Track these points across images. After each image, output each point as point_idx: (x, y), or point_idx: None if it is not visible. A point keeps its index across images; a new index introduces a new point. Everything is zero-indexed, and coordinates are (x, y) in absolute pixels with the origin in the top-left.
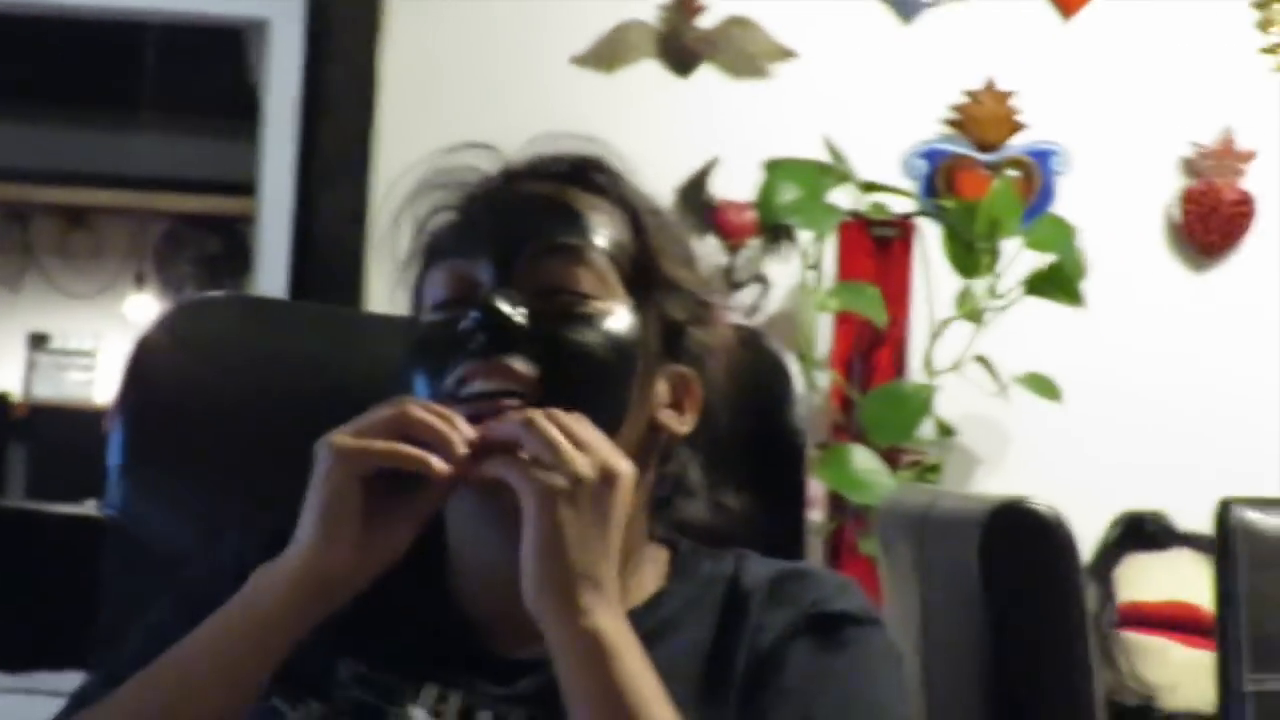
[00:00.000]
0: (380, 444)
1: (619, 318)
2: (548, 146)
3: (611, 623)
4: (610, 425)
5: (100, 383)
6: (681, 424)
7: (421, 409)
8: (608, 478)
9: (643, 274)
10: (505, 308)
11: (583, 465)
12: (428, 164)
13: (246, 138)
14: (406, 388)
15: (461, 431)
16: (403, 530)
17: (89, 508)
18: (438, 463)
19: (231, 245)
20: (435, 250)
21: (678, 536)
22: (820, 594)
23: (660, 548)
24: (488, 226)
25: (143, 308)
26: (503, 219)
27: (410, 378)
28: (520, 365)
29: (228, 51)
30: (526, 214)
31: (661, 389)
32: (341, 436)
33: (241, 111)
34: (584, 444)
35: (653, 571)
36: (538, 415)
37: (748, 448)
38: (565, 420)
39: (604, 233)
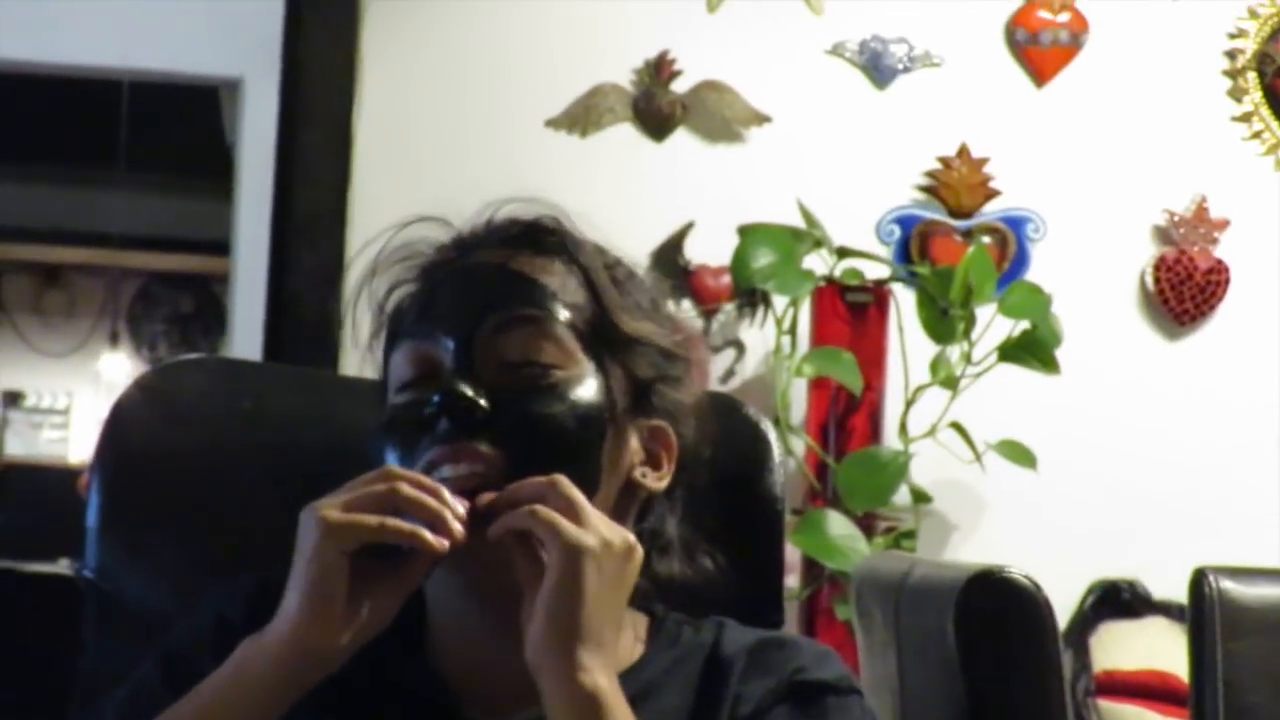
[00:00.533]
0: (371, 520)
1: (583, 385)
2: (500, 212)
3: (608, 683)
4: (586, 491)
5: (74, 441)
6: (658, 480)
7: (410, 484)
8: (632, 549)
9: (603, 334)
10: (467, 391)
11: (609, 531)
12: (383, 239)
13: (221, 196)
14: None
15: (452, 507)
16: (389, 601)
17: (63, 566)
18: (432, 537)
19: (205, 303)
20: (397, 329)
21: (656, 604)
22: (800, 663)
23: (638, 614)
24: (445, 303)
25: (117, 366)
26: (459, 294)
27: (382, 458)
28: (486, 448)
29: (203, 110)
30: (481, 287)
31: (634, 446)
32: (330, 510)
33: (216, 170)
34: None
35: (631, 637)
36: (562, 479)
37: (727, 514)
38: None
39: (560, 298)
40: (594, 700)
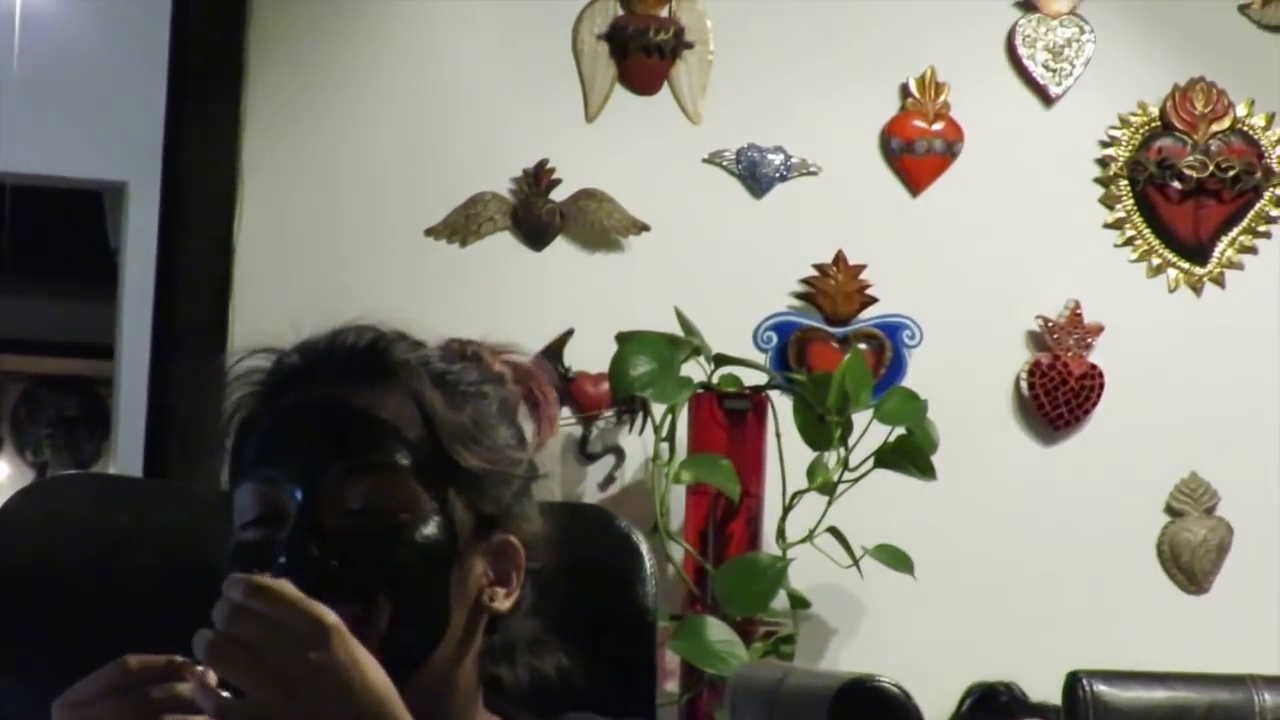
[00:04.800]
0: None
1: (427, 525)
2: (336, 335)
3: None
4: (437, 627)
5: None
6: (507, 598)
7: (154, 685)
8: (315, 655)
9: (441, 468)
10: (314, 552)
11: (275, 669)
12: (222, 367)
13: (106, 300)
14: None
15: (202, 686)
16: None
17: None
18: None
19: (90, 406)
20: (240, 461)
21: (513, 708)
22: None
23: (493, 717)
24: (287, 445)
25: (0, 470)
26: (300, 436)
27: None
28: (333, 601)
29: (87, 214)
30: (322, 430)
31: (480, 570)
32: None
33: (101, 273)
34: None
35: None
36: (215, 643)
37: (599, 624)
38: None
39: (398, 435)
40: None
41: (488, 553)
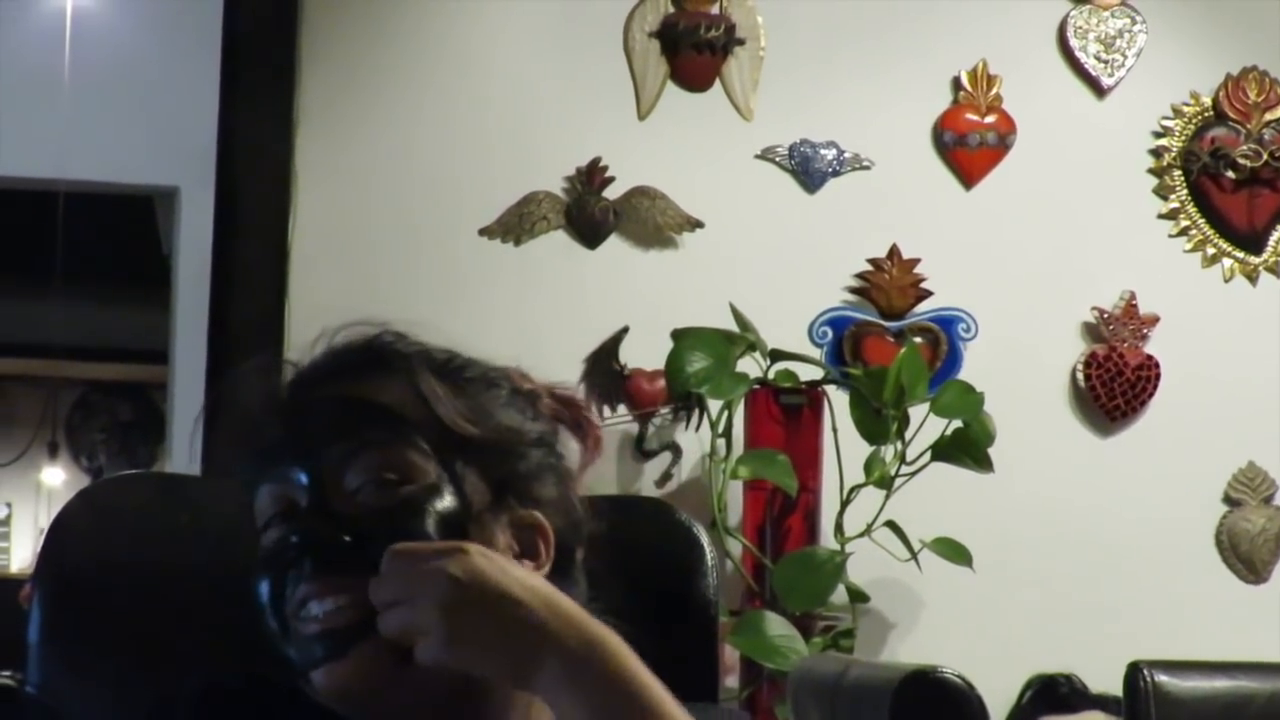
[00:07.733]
0: None
1: (435, 494)
2: (335, 338)
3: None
4: None
5: (15, 551)
6: (537, 569)
7: None
8: (463, 574)
9: (445, 441)
10: (323, 527)
11: (433, 588)
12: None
13: (159, 305)
14: (257, 607)
15: None
16: None
17: (3, 676)
18: None
19: (144, 412)
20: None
21: None
22: None
23: (546, 707)
24: (291, 443)
25: (57, 475)
26: (305, 432)
27: (258, 599)
28: (353, 578)
29: (140, 220)
30: (324, 421)
31: (504, 542)
32: None
33: (154, 279)
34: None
35: None
36: (391, 549)
37: (661, 618)
38: (396, 566)
39: (399, 415)
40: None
41: (511, 525)
